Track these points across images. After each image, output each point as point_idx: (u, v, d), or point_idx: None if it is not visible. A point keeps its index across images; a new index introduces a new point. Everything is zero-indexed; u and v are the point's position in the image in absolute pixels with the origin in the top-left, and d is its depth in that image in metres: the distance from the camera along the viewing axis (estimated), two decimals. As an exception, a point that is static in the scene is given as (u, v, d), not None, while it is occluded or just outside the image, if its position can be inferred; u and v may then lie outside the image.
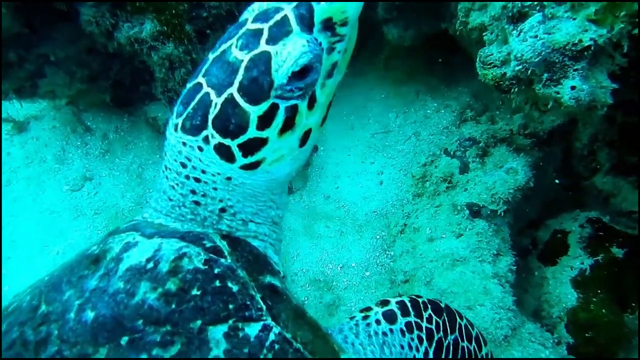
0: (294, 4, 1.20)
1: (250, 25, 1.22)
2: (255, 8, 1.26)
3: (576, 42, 1.57)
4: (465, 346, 1.66)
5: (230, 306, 1.19)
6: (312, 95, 1.28)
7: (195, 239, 1.30)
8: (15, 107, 3.44)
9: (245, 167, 1.31)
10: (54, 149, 4.12)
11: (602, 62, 1.63)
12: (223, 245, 1.32)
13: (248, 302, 1.21)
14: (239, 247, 1.36)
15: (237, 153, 1.27)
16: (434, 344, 1.57)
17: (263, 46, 1.20)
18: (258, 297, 1.23)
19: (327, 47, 1.24)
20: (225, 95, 1.22)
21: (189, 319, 1.14)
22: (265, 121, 1.24)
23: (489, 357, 1.76)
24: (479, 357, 1.72)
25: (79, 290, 1.16)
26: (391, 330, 1.53)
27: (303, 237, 3.39)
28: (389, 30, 3.35)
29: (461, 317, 1.68)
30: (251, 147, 1.27)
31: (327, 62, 1.26)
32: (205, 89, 1.25)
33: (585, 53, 1.58)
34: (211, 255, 1.26)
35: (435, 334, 1.58)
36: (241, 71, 1.21)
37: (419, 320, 1.58)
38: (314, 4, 1.19)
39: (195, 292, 1.18)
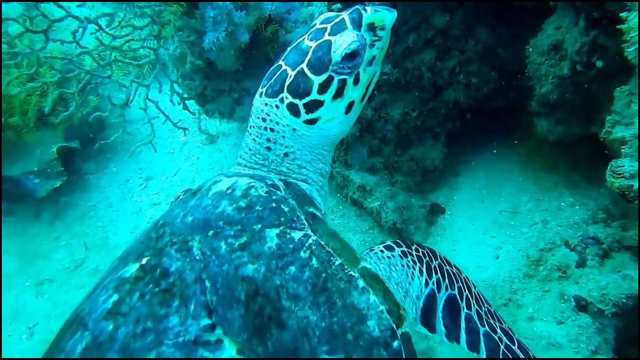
0: (350, 10, 1.74)
1: (318, 26, 1.76)
2: (322, 16, 1.81)
3: None
4: (448, 269, 2.04)
5: (282, 219, 1.61)
6: (357, 75, 1.76)
7: (260, 178, 1.77)
8: (215, 124, 4.22)
9: (307, 122, 1.79)
10: (230, 161, 4.88)
11: None
12: (280, 184, 1.78)
13: (295, 219, 1.62)
14: (291, 186, 1.81)
15: (302, 110, 1.76)
16: (424, 265, 1.96)
17: (326, 37, 1.72)
18: (302, 217, 1.65)
19: (369, 43, 1.75)
20: (298, 69, 1.73)
21: (253, 223, 1.57)
22: (323, 88, 1.73)
23: (468, 282, 2.09)
24: (461, 277, 2.08)
25: (182, 207, 1.68)
26: (392, 255, 1.93)
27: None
28: (539, 122, 3.46)
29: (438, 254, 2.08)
30: (312, 106, 1.76)
31: (369, 53, 1.76)
32: (284, 67, 1.77)
33: None
34: (271, 188, 1.71)
35: (423, 258, 1.98)
36: (310, 53, 1.72)
37: (409, 250, 1.99)
38: (362, 12, 1.72)
39: (257, 208, 1.62)
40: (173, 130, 5.18)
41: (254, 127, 1.89)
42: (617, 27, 1.94)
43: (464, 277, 2.10)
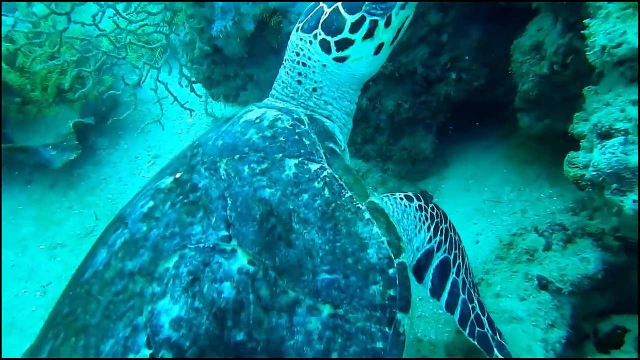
0: None
1: None
2: None
3: (647, 167, 1.84)
4: (452, 235, 2.14)
5: (302, 151, 1.71)
6: (389, 18, 1.80)
7: (288, 112, 1.85)
8: (220, 107, 4.43)
9: (337, 60, 1.85)
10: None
11: (668, 188, 1.86)
12: (305, 119, 1.85)
13: (314, 152, 1.72)
14: (315, 122, 1.88)
15: (333, 47, 1.82)
16: (434, 224, 2.04)
17: None
18: (322, 151, 1.74)
19: None
20: (333, 7, 1.79)
21: (275, 152, 1.69)
22: (355, 27, 1.78)
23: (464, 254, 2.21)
24: (460, 246, 2.19)
25: (216, 132, 1.83)
26: (409, 206, 2.00)
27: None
28: (522, 118, 3.63)
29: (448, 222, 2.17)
30: (343, 44, 1.81)
31: None
32: (322, 5, 1.83)
33: (653, 176, 1.84)
34: (296, 122, 1.80)
35: (435, 218, 2.05)
36: None
37: (426, 207, 2.05)
38: None
39: (281, 139, 1.72)
40: (181, 112, 5.38)
41: (288, 60, 1.96)
42: (582, 32, 2.11)
43: (462, 247, 2.22)
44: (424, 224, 2.01)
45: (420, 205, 2.03)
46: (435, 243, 2.04)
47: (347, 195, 1.65)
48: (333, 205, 1.62)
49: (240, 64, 3.94)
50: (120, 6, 3.17)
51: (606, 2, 1.99)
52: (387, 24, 1.81)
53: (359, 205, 1.64)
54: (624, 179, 1.89)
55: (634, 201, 1.87)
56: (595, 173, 1.95)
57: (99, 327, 1.46)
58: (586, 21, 2.06)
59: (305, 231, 1.55)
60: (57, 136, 4.82)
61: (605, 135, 1.98)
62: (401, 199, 2.01)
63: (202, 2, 3.33)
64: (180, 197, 1.63)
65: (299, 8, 3.68)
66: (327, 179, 1.66)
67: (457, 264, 2.12)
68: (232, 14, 3.30)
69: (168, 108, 5.27)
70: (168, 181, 1.71)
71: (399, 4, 1.80)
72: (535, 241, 2.91)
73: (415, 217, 1.99)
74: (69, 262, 4.38)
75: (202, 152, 1.76)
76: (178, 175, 1.71)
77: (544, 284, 2.63)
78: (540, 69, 3.04)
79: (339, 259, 1.54)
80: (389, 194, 2.03)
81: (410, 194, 2.06)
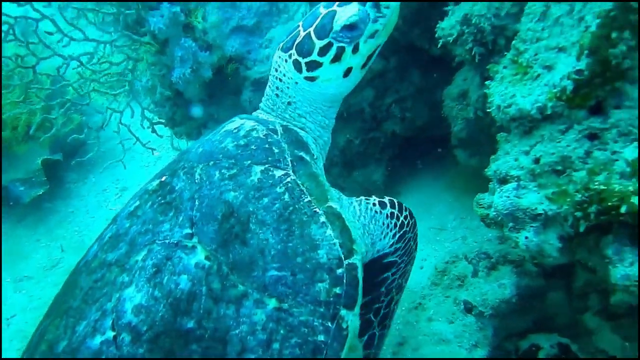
0: None
1: None
2: None
3: (533, 208, 2.11)
4: (411, 245, 2.23)
5: (269, 158, 1.83)
6: (356, 44, 1.92)
7: (264, 122, 1.99)
8: (182, 145, 4.66)
9: (307, 79, 1.99)
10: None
11: (553, 227, 2.14)
12: (279, 129, 1.98)
13: (281, 159, 1.85)
14: (289, 132, 2.01)
15: (304, 67, 1.97)
16: (402, 232, 2.13)
17: (335, 7, 1.91)
18: (289, 159, 1.86)
19: (373, 18, 1.90)
20: (306, 32, 1.94)
21: (245, 159, 1.82)
22: (323, 51, 1.92)
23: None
24: (413, 255, 2.26)
25: (201, 140, 2.02)
26: (379, 212, 2.09)
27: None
28: (458, 153, 3.94)
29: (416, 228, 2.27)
30: (312, 66, 1.95)
31: (371, 27, 1.91)
32: (299, 28, 1.98)
33: (539, 217, 2.12)
34: (269, 132, 1.93)
35: (405, 227, 2.14)
36: (319, 19, 1.92)
37: (398, 214, 2.13)
38: None
39: (252, 147, 1.86)
40: (149, 145, 5.55)
41: (270, 75, 2.12)
42: (485, 91, 2.42)
43: (414, 255, 2.32)
44: (391, 230, 2.09)
45: (392, 213, 2.11)
46: (395, 250, 2.14)
47: (305, 200, 1.75)
48: (290, 208, 1.72)
49: (201, 105, 4.16)
50: (84, 58, 3.39)
51: (501, 67, 2.31)
52: (355, 50, 1.93)
53: (316, 209, 1.74)
54: (518, 219, 2.17)
55: (526, 237, 2.15)
56: (495, 213, 2.24)
57: (78, 309, 1.65)
58: (487, 82, 2.38)
59: (260, 231, 1.66)
60: (26, 172, 4.95)
61: (503, 180, 2.27)
62: (374, 204, 2.10)
63: (163, 50, 3.57)
64: (159, 198, 1.83)
65: (254, 55, 3.96)
66: (289, 184, 1.77)
67: (399, 267, 2.20)
68: (190, 62, 3.55)
69: (137, 142, 5.44)
70: (155, 183, 1.92)
71: (366, 32, 1.91)
72: (465, 268, 3.18)
73: (384, 224, 2.08)
74: (34, 294, 4.46)
75: (186, 157, 1.94)
76: (163, 178, 1.91)
77: (469, 308, 2.89)
78: (467, 114, 3.37)
79: (289, 257, 1.64)
80: (363, 198, 2.13)
81: (386, 200, 2.14)
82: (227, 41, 3.71)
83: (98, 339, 1.55)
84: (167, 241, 1.68)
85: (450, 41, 2.95)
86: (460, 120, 3.44)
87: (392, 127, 4.28)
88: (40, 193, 5.01)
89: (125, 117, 3.87)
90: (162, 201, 1.80)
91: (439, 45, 3.01)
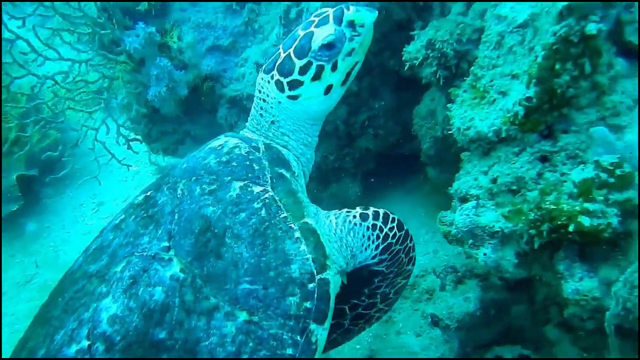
0: (335, 7, 1.96)
1: (311, 18, 2.01)
2: (317, 11, 2.05)
3: (491, 226, 2.20)
4: (402, 257, 2.13)
5: (249, 175, 1.85)
6: (335, 62, 1.96)
7: (247, 140, 2.03)
8: (159, 160, 4.69)
9: (290, 97, 2.02)
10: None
11: (510, 244, 2.23)
12: (262, 147, 2.01)
13: (260, 176, 1.86)
14: (271, 150, 2.03)
15: (286, 87, 1.99)
16: (386, 244, 2.04)
17: (312, 28, 1.95)
18: (268, 176, 1.88)
19: (349, 37, 1.95)
20: (286, 52, 1.98)
21: (225, 175, 1.84)
22: (303, 70, 1.96)
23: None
24: (405, 268, 2.17)
25: (187, 156, 2.04)
26: (359, 224, 2.01)
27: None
28: (429, 170, 4.05)
29: (411, 240, 2.18)
30: (294, 85, 1.99)
31: (348, 46, 1.96)
32: (280, 50, 2.02)
33: (496, 235, 2.21)
34: (251, 149, 1.96)
35: (390, 239, 2.05)
36: (297, 40, 1.96)
37: (382, 226, 2.03)
38: (345, 10, 1.93)
39: (234, 163, 1.88)
40: (126, 161, 5.56)
41: (254, 96, 2.17)
42: (447, 113, 2.53)
43: (407, 269, 2.21)
44: (373, 242, 2.04)
45: (374, 225, 2.03)
46: (380, 261, 2.08)
47: (281, 216, 1.77)
48: (266, 223, 1.74)
49: (177, 121, 4.21)
50: (59, 77, 3.41)
51: (461, 91, 2.42)
52: (334, 68, 1.98)
53: (291, 225, 1.76)
54: (477, 236, 2.26)
55: (484, 254, 2.25)
56: (456, 231, 2.33)
57: (58, 318, 1.69)
58: (449, 105, 2.48)
59: (235, 245, 1.68)
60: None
61: (463, 199, 2.36)
62: (354, 216, 2.04)
63: (138, 69, 3.62)
64: (142, 212, 1.87)
65: (230, 73, 4.03)
66: (267, 200, 1.80)
67: (386, 276, 2.16)
68: (166, 80, 3.60)
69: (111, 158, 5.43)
70: (140, 197, 1.96)
71: (343, 51, 1.96)
72: (434, 282, 3.27)
73: (364, 236, 2.03)
74: (6, 310, 4.40)
75: (172, 173, 1.97)
76: (149, 193, 1.95)
77: (435, 321, 2.97)
78: (435, 132, 3.48)
79: (261, 271, 1.65)
80: (345, 210, 2.08)
81: (369, 211, 2.06)
82: (203, 60, 3.77)
83: (73, 348, 1.58)
84: (145, 253, 1.71)
85: (417, 64, 3.06)
86: (429, 139, 3.55)
87: (365, 144, 4.38)
88: (15, 209, 4.96)
89: (100, 134, 3.88)
90: (145, 215, 1.83)
91: (406, 68, 3.12)
